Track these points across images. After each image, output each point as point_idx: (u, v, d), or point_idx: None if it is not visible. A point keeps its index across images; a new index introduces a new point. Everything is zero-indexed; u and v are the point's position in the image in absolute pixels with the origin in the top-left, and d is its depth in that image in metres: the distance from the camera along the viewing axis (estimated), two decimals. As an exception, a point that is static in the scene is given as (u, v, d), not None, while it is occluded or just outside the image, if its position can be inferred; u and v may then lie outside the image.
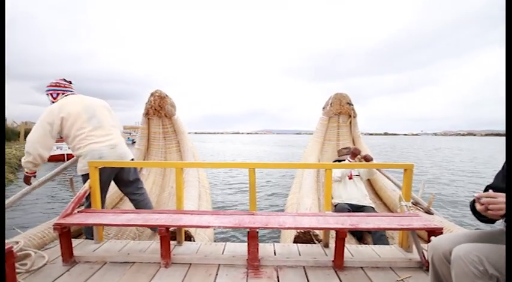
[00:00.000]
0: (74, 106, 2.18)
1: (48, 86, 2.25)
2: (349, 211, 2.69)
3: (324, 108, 4.55)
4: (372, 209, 2.84)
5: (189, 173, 3.67)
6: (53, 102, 2.21)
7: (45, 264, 1.72)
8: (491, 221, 1.05)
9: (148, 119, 4.18)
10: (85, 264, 1.75)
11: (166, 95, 4.08)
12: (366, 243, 2.46)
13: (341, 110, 4.37)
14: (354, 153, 3.09)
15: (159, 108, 4.04)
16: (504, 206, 0.91)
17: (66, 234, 1.73)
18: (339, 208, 2.85)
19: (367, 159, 2.97)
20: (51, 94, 2.23)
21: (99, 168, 2.10)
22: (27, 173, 2.17)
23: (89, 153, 2.16)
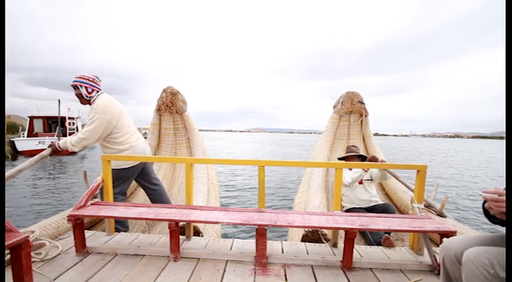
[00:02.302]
0: (121, 105, 2.43)
1: (82, 78, 2.28)
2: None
3: (334, 106, 4.49)
4: (387, 205, 2.78)
5: (198, 169, 3.71)
6: (87, 96, 2.30)
7: (58, 254, 1.78)
8: (503, 222, 1.02)
9: (160, 115, 4.23)
10: (97, 255, 1.80)
11: (178, 92, 4.11)
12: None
13: (352, 108, 4.30)
14: (371, 161, 2.91)
15: (170, 105, 4.08)
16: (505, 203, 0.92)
17: (79, 226, 1.78)
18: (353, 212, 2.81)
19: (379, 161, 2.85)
20: (86, 87, 2.28)
21: (138, 163, 2.46)
22: (60, 149, 2.31)
23: (137, 147, 2.44)
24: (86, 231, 1.99)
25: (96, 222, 2.78)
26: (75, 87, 2.30)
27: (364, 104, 4.29)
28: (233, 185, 7.78)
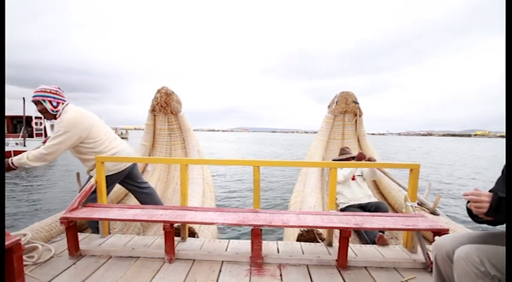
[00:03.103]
0: (92, 115, 2.31)
1: (44, 92, 2.13)
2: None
3: (329, 106, 4.52)
4: (380, 203, 2.83)
5: (193, 170, 3.69)
6: (53, 110, 2.14)
7: (51, 257, 1.75)
8: (488, 222, 1.05)
9: (154, 115, 4.21)
10: (91, 258, 1.78)
11: (173, 92, 4.09)
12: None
13: (347, 108, 4.33)
14: (360, 158, 2.99)
15: (165, 105, 4.06)
16: (486, 204, 0.94)
17: (72, 228, 1.76)
18: (348, 211, 2.84)
19: (371, 160, 2.90)
20: (49, 101, 2.13)
21: (126, 167, 2.38)
22: (14, 166, 2.10)
23: (122, 151, 2.35)
24: (79, 233, 1.96)
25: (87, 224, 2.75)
26: (36, 102, 2.12)
27: (358, 103, 4.32)
28: (224, 186, 7.76)
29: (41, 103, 2.12)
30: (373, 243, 2.29)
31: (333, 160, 3.17)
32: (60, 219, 1.72)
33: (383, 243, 2.10)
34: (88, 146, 2.22)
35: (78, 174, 2.72)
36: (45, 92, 2.13)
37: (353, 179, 3.06)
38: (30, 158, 2.08)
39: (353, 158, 3.16)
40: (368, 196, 2.98)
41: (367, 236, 2.47)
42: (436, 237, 1.21)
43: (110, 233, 2.16)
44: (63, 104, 2.20)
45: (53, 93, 2.15)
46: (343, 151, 3.34)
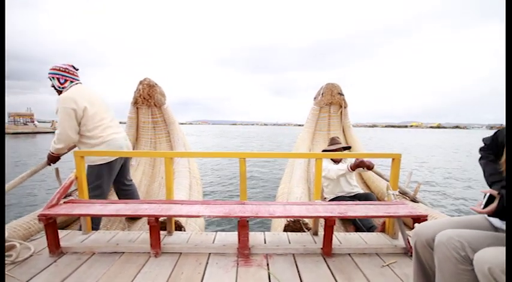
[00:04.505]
0: (93, 96, 2.27)
1: (54, 69, 2.21)
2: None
3: (315, 98, 4.55)
4: (369, 194, 2.92)
5: (179, 163, 3.64)
6: (59, 87, 2.21)
7: (31, 255, 1.69)
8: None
9: (137, 108, 4.08)
10: (72, 255, 1.73)
11: (156, 84, 3.97)
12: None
13: (332, 100, 4.37)
14: (358, 166, 2.84)
15: (148, 97, 3.94)
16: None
17: (51, 225, 1.70)
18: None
19: (370, 167, 2.68)
20: (57, 78, 2.20)
21: (115, 159, 2.34)
22: (52, 154, 2.30)
23: (112, 142, 2.29)
24: (60, 230, 1.90)
25: (72, 221, 2.67)
26: (50, 80, 2.23)
27: (343, 95, 4.37)
28: (210, 180, 7.73)
29: (50, 80, 2.23)
30: (368, 229, 2.44)
31: (323, 151, 3.18)
32: (38, 216, 1.66)
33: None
34: (81, 128, 2.21)
35: (57, 169, 2.61)
36: (54, 69, 2.21)
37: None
38: (54, 141, 2.21)
39: (344, 148, 3.19)
40: (354, 187, 3.05)
41: (362, 224, 2.59)
42: (416, 225, 1.25)
43: (92, 230, 2.11)
44: (71, 82, 2.24)
45: (61, 70, 2.22)
46: (333, 141, 3.27)
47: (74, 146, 2.42)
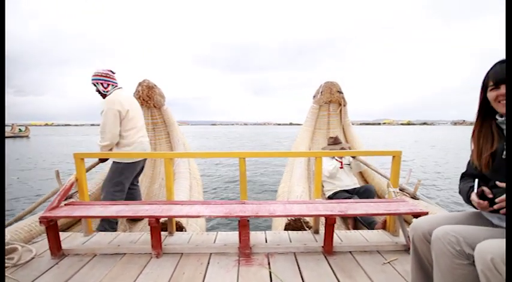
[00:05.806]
0: (133, 101, 2.51)
1: (97, 75, 2.36)
2: (347, 197, 2.77)
3: (314, 96, 4.54)
4: (368, 186, 2.94)
5: (180, 164, 3.64)
6: (104, 91, 2.38)
7: (32, 258, 1.69)
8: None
9: (137, 109, 4.09)
10: (74, 257, 1.74)
11: (155, 85, 3.97)
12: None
13: (331, 98, 4.37)
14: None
15: (147, 99, 3.94)
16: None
17: (53, 227, 1.70)
18: (336, 197, 2.92)
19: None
20: (101, 84, 2.37)
21: (140, 160, 2.55)
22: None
23: (139, 145, 2.47)
24: (61, 232, 1.91)
25: (73, 223, 2.67)
26: (93, 85, 2.40)
27: (342, 93, 4.36)
28: (212, 181, 7.71)
29: (95, 86, 2.39)
30: (369, 225, 2.44)
31: (323, 149, 3.19)
32: (39, 218, 1.66)
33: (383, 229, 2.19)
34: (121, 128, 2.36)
35: (57, 171, 2.61)
36: (96, 75, 2.37)
37: (341, 167, 3.11)
38: (100, 140, 2.32)
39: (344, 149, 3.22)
40: (354, 183, 3.06)
41: (363, 220, 2.64)
42: (413, 220, 1.26)
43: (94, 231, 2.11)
44: (113, 86, 2.42)
45: (103, 76, 2.37)
46: (336, 140, 3.30)
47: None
